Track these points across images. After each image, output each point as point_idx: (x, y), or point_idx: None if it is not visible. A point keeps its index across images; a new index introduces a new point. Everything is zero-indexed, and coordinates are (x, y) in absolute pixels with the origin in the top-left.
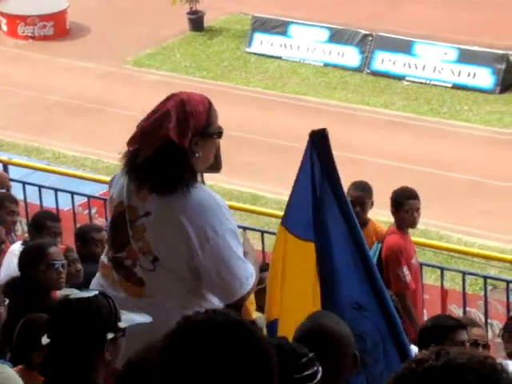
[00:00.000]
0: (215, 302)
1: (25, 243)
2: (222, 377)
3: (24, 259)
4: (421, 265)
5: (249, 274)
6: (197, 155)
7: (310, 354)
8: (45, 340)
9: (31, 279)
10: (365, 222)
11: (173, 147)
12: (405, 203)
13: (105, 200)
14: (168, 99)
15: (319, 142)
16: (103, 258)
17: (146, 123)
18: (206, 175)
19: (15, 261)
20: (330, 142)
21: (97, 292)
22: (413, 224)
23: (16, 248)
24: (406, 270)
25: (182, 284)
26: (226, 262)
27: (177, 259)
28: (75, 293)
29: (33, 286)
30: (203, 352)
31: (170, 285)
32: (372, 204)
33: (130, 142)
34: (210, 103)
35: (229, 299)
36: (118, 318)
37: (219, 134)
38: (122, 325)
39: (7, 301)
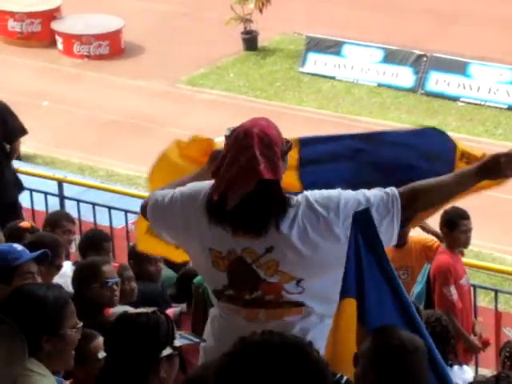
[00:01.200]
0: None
1: (76, 263)
2: None
3: (77, 277)
4: (474, 287)
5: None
6: (283, 176)
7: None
8: (101, 354)
9: (85, 297)
10: (404, 242)
11: (269, 184)
12: (460, 223)
13: None
14: (244, 138)
15: (362, 221)
16: (223, 305)
17: (233, 168)
18: None
19: (69, 281)
20: (373, 220)
21: (156, 308)
22: (466, 244)
23: (68, 269)
24: (453, 289)
25: (330, 288)
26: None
27: (324, 266)
28: (132, 309)
29: (86, 303)
30: (259, 374)
31: (327, 291)
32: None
33: (215, 191)
34: (271, 121)
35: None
36: (174, 336)
37: (290, 146)
38: (177, 343)
39: None
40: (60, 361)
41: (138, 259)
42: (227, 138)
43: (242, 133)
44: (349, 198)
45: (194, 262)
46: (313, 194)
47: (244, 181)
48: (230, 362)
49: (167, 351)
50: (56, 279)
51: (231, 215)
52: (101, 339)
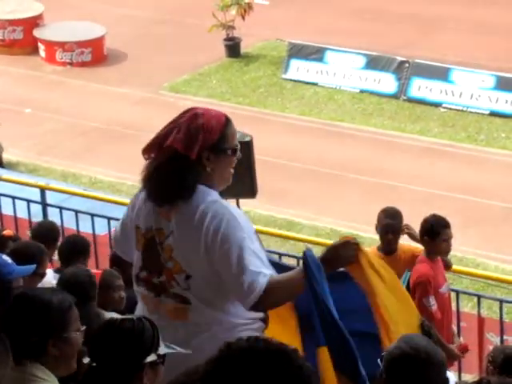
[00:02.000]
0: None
1: (57, 271)
2: None
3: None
4: (457, 292)
5: (260, 276)
6: (208, 169)
7: None
8: (86, 359)
9: None
10: (393, 250)
11: (178, 157)
12: (442, 232)
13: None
14: (185, 112)
15: (308, 260)
16: (139, 289)
17: (161, 132)
18: (242, 201)
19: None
20: (315, 258)
21: (141, 316)
22: (446, 253)
23: (50, 276)
24: (432, 299)
25: (218, 296)
26: (237, 261)
27: (202, 270)
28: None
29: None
30: (245, 379)
31: (209, 299)
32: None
33: (146, 150)
34: (227, 119)
35: (245, 301)
36: (159, 343)
37: (233, 151)
38: (161, 351)
39: None
40: (65, 364)
41: (122, 266)
42: None
43: (191, 107)
44: (234, 254)
45: None
46: (230, 217)
47: (164, 142)
48: (215, 367)
49: (151, 358)
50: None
51: (150, 182)
52: None
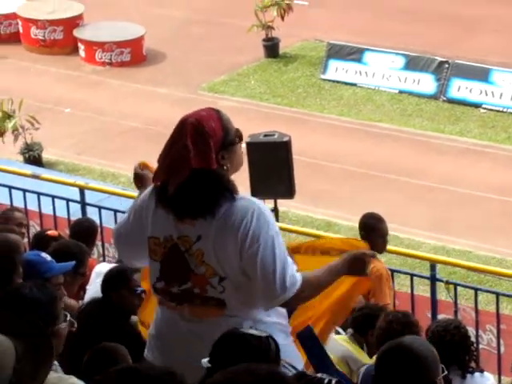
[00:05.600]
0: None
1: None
2: None
3: (107, 282)
4: (497, 294)
5: (293, 279)
6: (226, 167)
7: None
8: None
9: (112, 302)
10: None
11: (203, 173)
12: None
13: None
14: (181, 128)
15: (307, 340)
16: (157, 297)
17: (168, 157)
18: (279, 201)
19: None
20: (316, 338)
21: (268, 334)
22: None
23: (103, 269)
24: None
25: (252, 295)
26: (270, 263)
27: (235, 270)
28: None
29: (113, 309)
30: None
31: (245, 300)
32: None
33: (156, 178)
34: (218, 112)
35: (266, 308)
36: (279, 362)
37: (240, 137)
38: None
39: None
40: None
41: None
42: (248, 145)
43: (179, 122)
44: (268, 255)
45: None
46: (262, 215)
47: (178, 170)
48: None
49: None
50: (93, 278)
51: (172, 200)
52: None
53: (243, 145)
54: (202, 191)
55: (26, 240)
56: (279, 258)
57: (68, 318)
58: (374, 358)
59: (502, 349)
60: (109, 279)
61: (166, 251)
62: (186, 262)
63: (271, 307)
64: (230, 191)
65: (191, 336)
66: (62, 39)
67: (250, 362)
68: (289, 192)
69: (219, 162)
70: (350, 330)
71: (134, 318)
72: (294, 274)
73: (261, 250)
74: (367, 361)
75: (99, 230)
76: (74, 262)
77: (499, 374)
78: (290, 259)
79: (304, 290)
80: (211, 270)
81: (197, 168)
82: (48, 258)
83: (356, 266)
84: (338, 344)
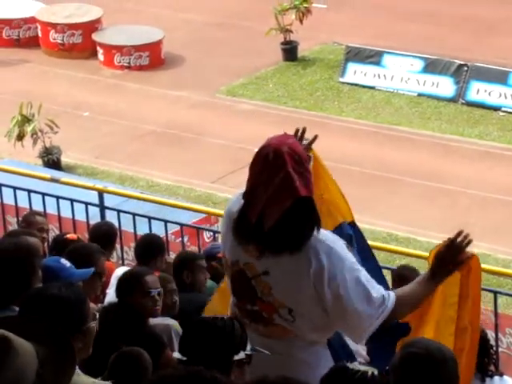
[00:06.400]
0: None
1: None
2: None
3: (121, 286)
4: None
5: (378, 311)
6: None
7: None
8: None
9: (127, 306)
10: None
11: (305, 201)
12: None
13: (197, 228)
14: (276, 158)
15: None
16: (233, 308)
17: (266, 192)
18: None
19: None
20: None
21: (232, 316)
22: None
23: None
24: None
25: (324, 328)
26: (354, 308)
27: (309, 307)
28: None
29: (128, 312)
30: None
31: (312, 329)
32: None
33: (253, 215)
34: (292, 135)
35: (359, 339)
36: (246, 343)
37: (310, 158)
38: (247, 351)
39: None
40: (85, 352)
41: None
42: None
43: (271, 152)
44: (352, 288)
45: None
46: (337, 252)
47: (281, 200)
48: None
49: (240, 356)
50: (113, 282)
51: (265, 235)
52: None
53: None
54: (305, 220)
55: (45, 244)
56: (361, 293)
57: (97, 317)
58: None
59: None
60: (122, 283)
61: (233, 274)
62: (253, 288)
63: (365, 338)
64: (319, 222)
65: (264, 348)
66: (81, 43)
67: (218, 343)
68: None
69: None
70: None
71: (152, 320)
72: (382, 296)
73: (341, 291)
74: None
75: (118, 233)
76: (93, 269)
77: None
78: (374, 283)
79: (396, 307)
80: (280, 302)
81: (301, 197)
82: (67, 264)
83: (448, 253)
84: None
